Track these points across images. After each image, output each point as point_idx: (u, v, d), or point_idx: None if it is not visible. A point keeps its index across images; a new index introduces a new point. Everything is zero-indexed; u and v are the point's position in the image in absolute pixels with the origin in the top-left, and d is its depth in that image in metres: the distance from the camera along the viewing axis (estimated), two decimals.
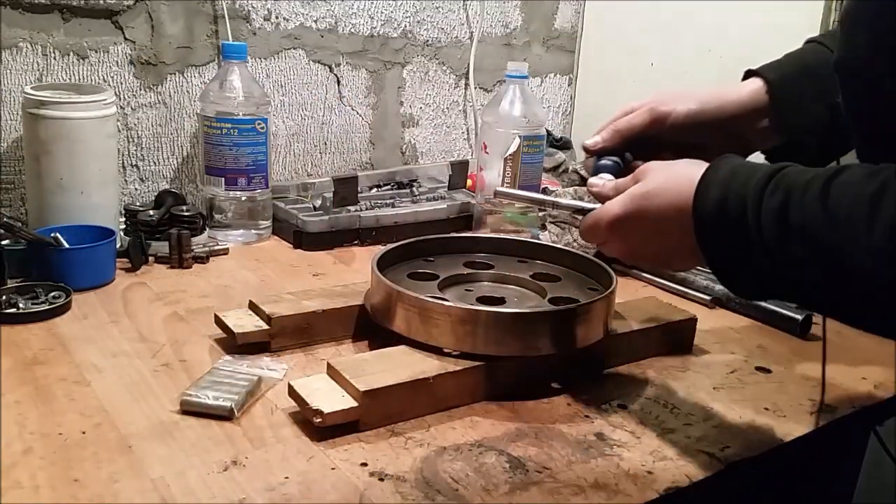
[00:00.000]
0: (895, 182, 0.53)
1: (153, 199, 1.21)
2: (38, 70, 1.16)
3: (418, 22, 1.52)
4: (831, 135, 0.77)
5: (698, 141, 0.82)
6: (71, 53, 1.18)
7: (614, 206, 0.71)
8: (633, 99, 0.94)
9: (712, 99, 0.83)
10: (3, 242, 0.99)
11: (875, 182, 0.54)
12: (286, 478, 0.63)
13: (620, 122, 0.84)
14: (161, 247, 1.09)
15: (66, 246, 0.98)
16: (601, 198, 0.76)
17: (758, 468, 0.72)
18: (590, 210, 0.75)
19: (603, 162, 0.83)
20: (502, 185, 0.86)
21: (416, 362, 0.75)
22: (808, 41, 0.86)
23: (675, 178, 0.67)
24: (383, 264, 0.89)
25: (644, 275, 1.14)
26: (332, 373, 0.73)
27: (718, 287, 1.07)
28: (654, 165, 0.71)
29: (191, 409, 0.72)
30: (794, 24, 1.33)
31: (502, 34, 1.66)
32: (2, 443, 0.65)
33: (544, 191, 1.36)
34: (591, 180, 0.77)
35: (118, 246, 1.05)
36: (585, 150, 0.84)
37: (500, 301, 0.88)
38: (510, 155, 1.25)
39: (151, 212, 1.13)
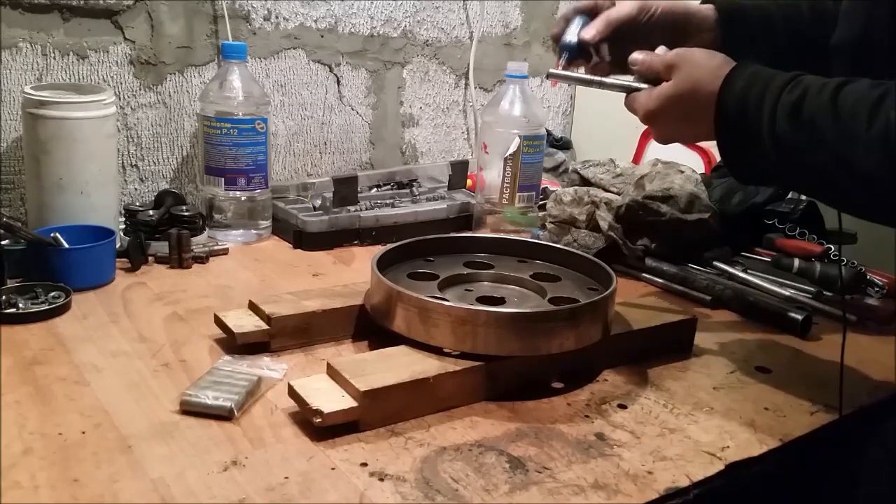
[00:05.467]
0: (895, 89, 0.63)
1: (153, 199, 1.21)
2: (38, 70, 1.16)
3: (418, 22, 1.52)
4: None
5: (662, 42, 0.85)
6: (71, 53, 1.18)
7: (649, 103, 0.78)
8: None
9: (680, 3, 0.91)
10: (3, 242, 0.99)
11: (879, 89, 0.64)
12: (286, 478, 0.63)
13: (611, 12, 0.88)
14: (161, 247, 1.09)
15: (66, 246, 0.98)
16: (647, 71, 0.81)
17: (758, 468, 0.72)
18: (635, 89, 0.81)
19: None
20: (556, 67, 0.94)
21: (416, 362, 0.75)
22: None
23: (699, 79, 0.74)
24: (383, 264, 0.88)
25: (644, 275, 1.14)
26: (332, 373, 0.73)
27: (718, 287, 1.07)
28: (685, 59, 0.76)
29: (191, 410, 0.72)
30: None
31: (502, 34, 1.65)
32: (2, 443, 0.65)
33: (545, 190, 1.36)
34: (633, 56, 0.81)
35: (118, 246, 1.05)
36: (554, 39, 0.88)
37: (500, 301, 0.88)
38: (510, 155, 1.25)
39: (151, 212, 1.13)
